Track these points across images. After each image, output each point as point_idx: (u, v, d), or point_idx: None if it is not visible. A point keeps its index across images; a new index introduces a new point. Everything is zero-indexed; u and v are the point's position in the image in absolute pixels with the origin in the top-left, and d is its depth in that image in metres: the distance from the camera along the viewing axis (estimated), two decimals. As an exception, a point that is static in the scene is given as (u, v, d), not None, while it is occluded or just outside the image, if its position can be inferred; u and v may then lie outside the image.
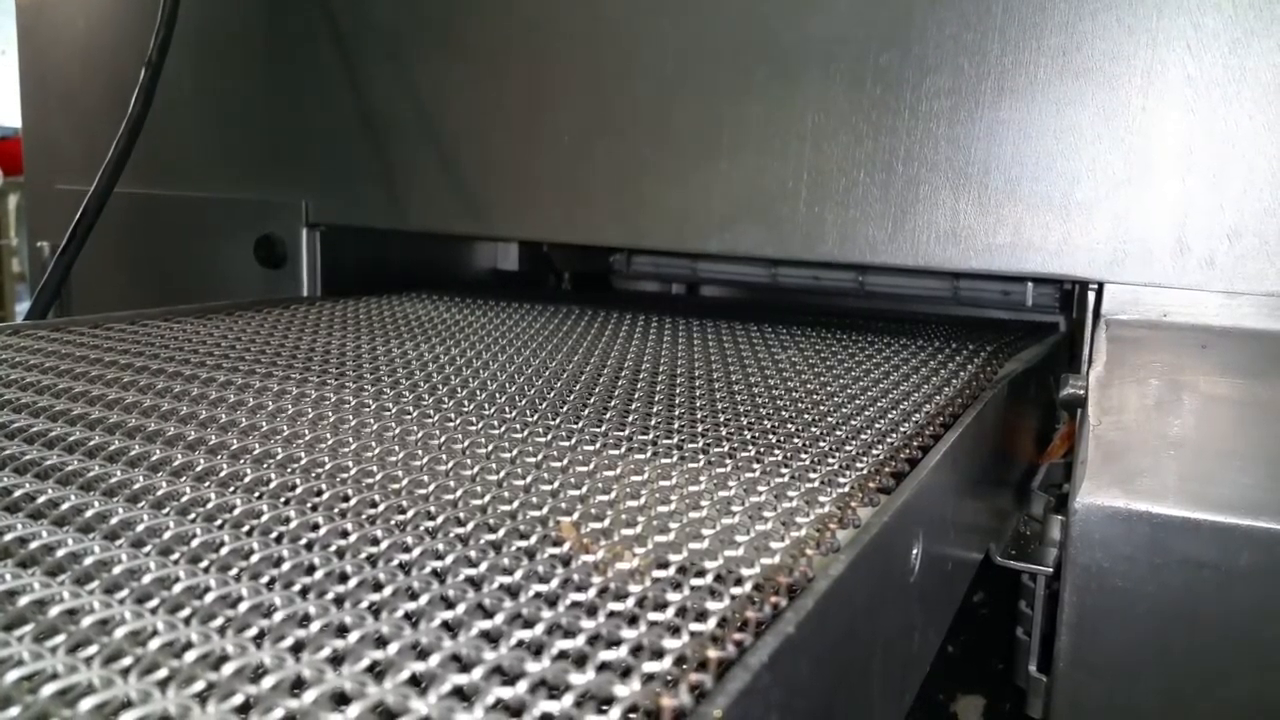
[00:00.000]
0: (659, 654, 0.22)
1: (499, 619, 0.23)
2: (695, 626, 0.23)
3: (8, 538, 0.28)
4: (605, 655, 0.22)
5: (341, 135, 0.85)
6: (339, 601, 0.25)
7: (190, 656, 0.21)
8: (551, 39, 0.76)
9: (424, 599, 0.25)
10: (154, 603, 0.24)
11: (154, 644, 0.22)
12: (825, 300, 1.02)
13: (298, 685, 0.20)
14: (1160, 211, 0.60)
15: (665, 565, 0.27)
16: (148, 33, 0.78)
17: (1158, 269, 0.60)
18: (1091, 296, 0.63)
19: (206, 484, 0.33)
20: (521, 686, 0.20)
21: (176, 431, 0.39)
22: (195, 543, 0.28)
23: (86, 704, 0.19)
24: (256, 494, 0.33)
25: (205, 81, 0.91)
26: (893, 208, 0.66)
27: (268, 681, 0.20)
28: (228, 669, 0.21)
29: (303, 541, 0.29)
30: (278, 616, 0.23)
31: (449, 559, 0.27)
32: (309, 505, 0.32)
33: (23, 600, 0.24)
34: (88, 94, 0.98)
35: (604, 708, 0.20)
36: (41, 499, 0.31)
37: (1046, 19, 0.61)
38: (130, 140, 0.77)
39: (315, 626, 0.23)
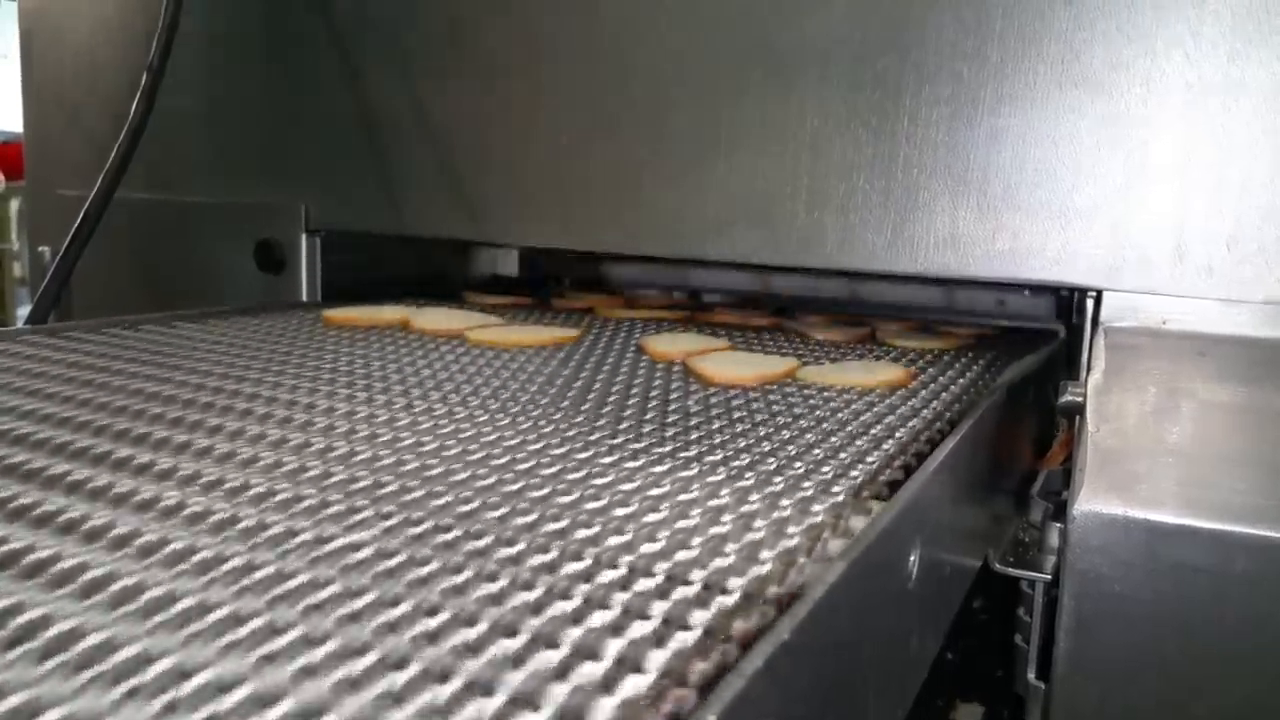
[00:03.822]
0: (682, 625, 0.22)
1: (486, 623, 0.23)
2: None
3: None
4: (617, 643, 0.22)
5: (341, 140, 0.85)
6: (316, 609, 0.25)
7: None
8: (550, 43, 0.76)
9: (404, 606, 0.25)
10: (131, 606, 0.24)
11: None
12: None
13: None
14: (1159, 219, 0.60)
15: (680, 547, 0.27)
16: (149, 38, 0.78)
17: (1156, 276, 0.60)
18: (1090, 304, 0.63)
19: (212, 494, 0.34)
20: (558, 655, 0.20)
21: (168, 435, 0.39)
22: (187, 550, 0.28)
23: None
24: (244, 499, 0.33)
25: (206, 86, 0.91)
26: (892, 214, 0.66)
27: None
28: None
29: (313, 554, 0.29)
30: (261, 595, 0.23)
31: (466, 574, 0.27)
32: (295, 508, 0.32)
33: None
34: (89, 99, 0.98)
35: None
36: (27, 501, 0.31)
37: (1046, 27, 0.61)
38: (131, 145, 0.77)
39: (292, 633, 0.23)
